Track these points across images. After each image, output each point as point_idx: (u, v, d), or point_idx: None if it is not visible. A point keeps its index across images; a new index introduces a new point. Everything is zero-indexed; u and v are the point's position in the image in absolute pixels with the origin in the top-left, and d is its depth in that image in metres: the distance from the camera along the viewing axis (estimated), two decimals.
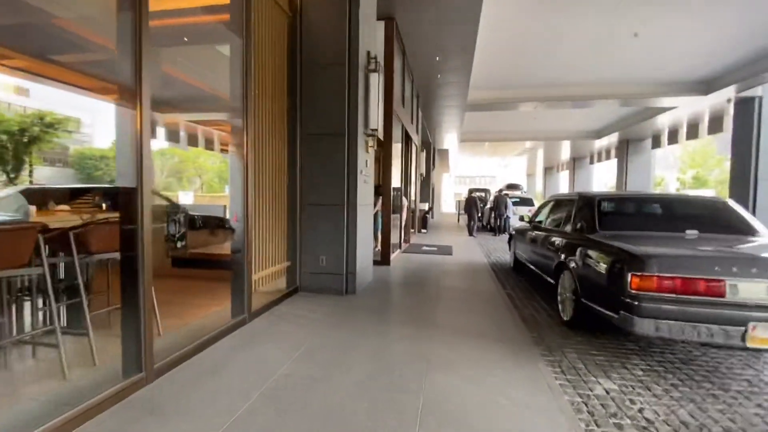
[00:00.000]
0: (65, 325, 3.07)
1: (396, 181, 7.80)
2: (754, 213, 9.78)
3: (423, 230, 12.90)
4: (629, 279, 2.65)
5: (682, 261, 2.64)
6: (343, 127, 4.45)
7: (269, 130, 4.05)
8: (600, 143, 22.09)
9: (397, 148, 7.74)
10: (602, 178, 28.05)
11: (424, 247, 8.93)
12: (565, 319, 3.69)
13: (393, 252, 7.09)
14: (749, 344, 2.46)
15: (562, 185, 31.53)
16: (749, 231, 3.39)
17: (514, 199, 13.65)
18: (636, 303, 2.59)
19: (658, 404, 2.36)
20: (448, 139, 19.15)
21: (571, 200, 4.27)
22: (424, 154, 15.04)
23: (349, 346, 3.01)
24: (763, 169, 10.80)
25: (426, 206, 14.55)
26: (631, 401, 2.38)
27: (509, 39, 8.97)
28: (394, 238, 7.59)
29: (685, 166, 35.50)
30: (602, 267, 3.04)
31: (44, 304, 2.79)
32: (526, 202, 14.20)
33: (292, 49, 4.40)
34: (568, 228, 4.03)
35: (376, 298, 4.50)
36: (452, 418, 2.07)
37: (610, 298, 2.88)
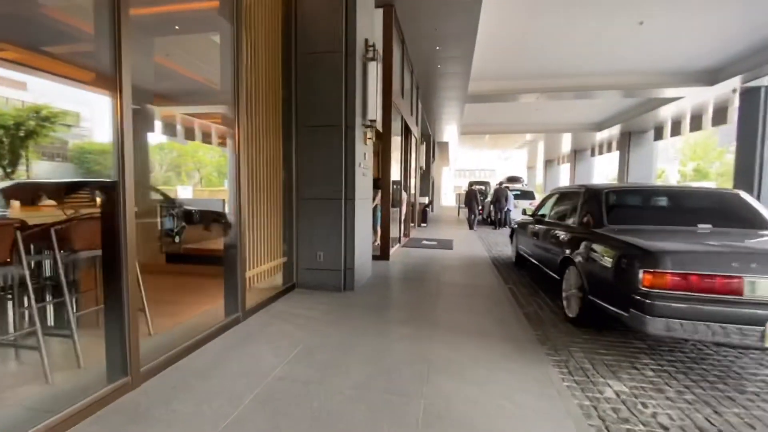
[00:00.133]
0: (53, 324, 2.94)
1: (395, 175, 7.64)
2: None
3: (423, 224, 12.77)
4: (641, 276, 2.51)
5: (696, 257, 2.51)
6: (341, 118, 4.29)
7: (263, 121, 3.90)
8: (601, 135, 21.88)
9: (396, 141, 7.57)
10: (603, 171, 27.87)
11: (424, 241, 8.81)
12: (570, 316, 3.57)
13: (392, 246, 6.97)
14: None
15: (563, 178, 31.36)
16: (764, 225, 3.25)
17: (515, 192, 13.48)
18: (648, 301, 2.45)
19: (672, 408, 2.24)
20: (448, 132, 18.94)
21: (577, 193, 4.13)
22: (423, 147, 14.85)
23: (346, 346, 2.89)
24: None
25: (426, 200, 14.40)
26: (644, 405, 2.27)
27: (511, 28, 8.76)
28: (394, 232, 7.45)
29: (686, 159, 35.29)
30: (611, 263, 2.90)
31: (23, 304, 2.66)
32: (527, 195, 14.03)
33: (286, 36, 4.22)
34: (574, 222, 3.90)
35: (375, 294, 4.37)
36: (455, 425, 1.95)
37: (620, 296, 2.75)
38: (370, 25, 4.87)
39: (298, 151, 4.39)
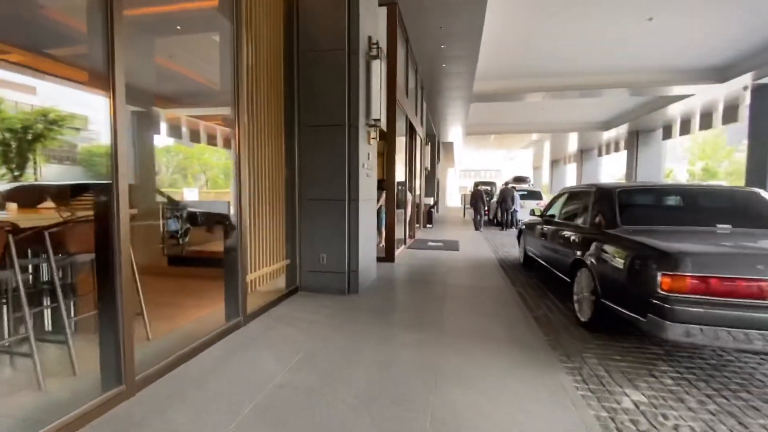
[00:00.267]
0: (51, 329, 2.87)
1: (400, 175, 7.54)
2: None
3: (428, 225, 12.65)
4: (659, 279, 2.39)
5: (718, 259, 2.38)
6: (344, 117, 4.20)
7: (265, 121, 3.82)
8: (608, 135, 21.64)
9: (400, 141, 7.47)
10: (610, 171, 27.57)
11: (430, 243, 8.69)
12: (582, 320, 3.44)
13: (397, 248, 6.86)
14: None
15: (569, 178, 31.08)
16: None
17: (521, 193, 13.31)
18: (667, 305, 2.33)
19: (695, 419, 2.11)
20: (453, 132, 18.81)
21: (587, 192, 4.00)
22: (428, 148, 14.73)
23: (350, 353, 2.78)
24: None
25: (431, 200, 14.28)
26: (664, 416, 2.14)
27: (516, 26, 8.64)
28: (399, 233, 7.35)
29: (694, 158, 34.81)
30: (626, 265, 2.78)
31: (17, 309, 2.59)
32: (534, 195, 13.85)
33: (288, 34, 4.14)
34: (585, 222, 3.77)
35: (380, 297, 4.27)
36: None
37: (636, 300, 2.63)
38: (373, 23, 4.78)
39: (300, 151, 4.30)
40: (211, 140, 7.68)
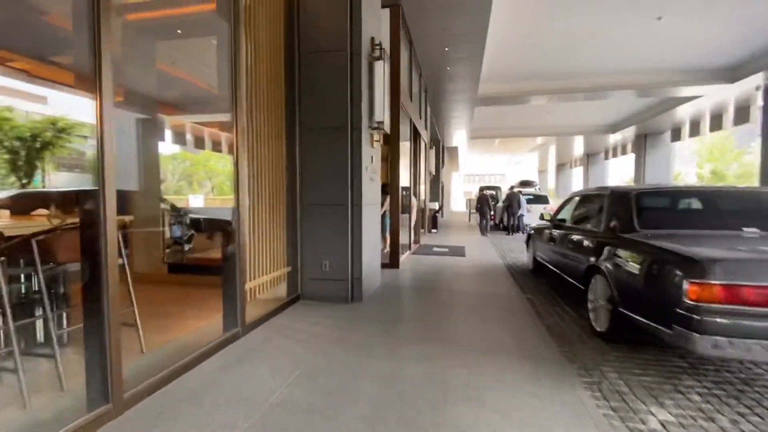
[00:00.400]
0: (43, 341, 2.75)
1: (404, 180, 7.40)
2: None
3: (433, 230, 12.48)
4: (686, 287, 2.21)
5: (750, 266, 2.20)
6: (346, 119, 4.08)
7: (265, 123, 3.71)
8: (615, 138, 21.39)
9: (404, 145, 7.34)
10: (618, 174, 27.24)
11: (435, 248, 8.52)
12: (598, 330, 3.25)
13: (402, 254, 6.70)
14: None
15: (576, 182, 30.77)
16: None
17: (528, 197, 13.10)
18: (696, 317, 2.15)
19: None
20: (458, 137, 18.67)
21: (601, 196, 3.83)
22: (433, 152, 14.60)
23: (353, 368, 2.62)
24: None
25: (436, 205, 14.12)
26: None
27: (521, 27, 8.52)
28: (404, 239, 7.19)
29: (702, 161, 34.34)
30: (647, 273, 2.60)
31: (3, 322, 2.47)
32: (540, 199, 13.63)
33: (289, 35, 4.04)
34: (599, 227, 3.59)
35: (385, 306, 4.11)
36: None
37: (659, 310, 2.45)
38: (376, 24, 4.67)
39: (302, 154, 4.18)
40: (216, 146, 7.60)
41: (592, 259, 3.39)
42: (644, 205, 3.26)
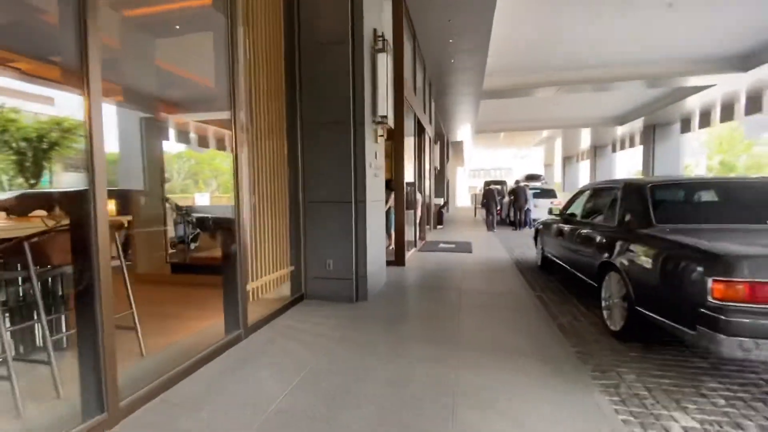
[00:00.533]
0: (41, 347, 2.68)
1: (409, 175, 7.27)
2: None
3: (439, 226, 12.35)
4: (710, 286, 2.08)
5: None
6: (349, 113, 3.96)
7: (265, 118, 3.60)
8: (623, 130, 21.05)
9: (409, 140, 7.21)
10: (625, 166, 26.87)
11: (441, 245, 8.40)
12: (613, 329, 3.13)
13: (408, 251, 6.59)
14: None
15: (582, 175, 30.40)
16: None
17: (534, 191, 12.90)
18: (723, 317, 2.02)
19: None
20: (462, 131, 18.46)
21: (614, 189, 3.69)
22: (437, 147, 14.44)
23: (358, 371, 2.53)
24: None
25: (441, 201, 13.96)
26: None
27: (527, 17, 8.32)
28: (409, 235, 7.08)
29: (711, 152, 33.76)
30: (667, 270, 2.47)
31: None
32: (548, 193, 13.40)
33: (288, 27, 3.92)
34: (613, 221, 3.45)
35: (391, 305, 4.01)
36: None
37: (681, 309, 2.32)
38: (378, 15, 4.53)
39: (303, 150, 4.07)
40: (220, 145, 7.53)
41: (606, 255, 3.25)
42: (661, 199, 3.11)
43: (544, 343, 2.99)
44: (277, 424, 1.95)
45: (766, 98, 12.59)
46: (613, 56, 10.95)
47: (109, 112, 4.98)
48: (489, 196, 11.91)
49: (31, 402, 2.14)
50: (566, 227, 4.54)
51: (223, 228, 3.09)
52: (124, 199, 4.88)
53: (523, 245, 8.57)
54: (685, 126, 17.23)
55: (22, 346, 2.66)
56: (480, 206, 14.05)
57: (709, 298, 2.09)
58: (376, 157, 4.40)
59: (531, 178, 18.13)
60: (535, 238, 6.33)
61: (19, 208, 3.39)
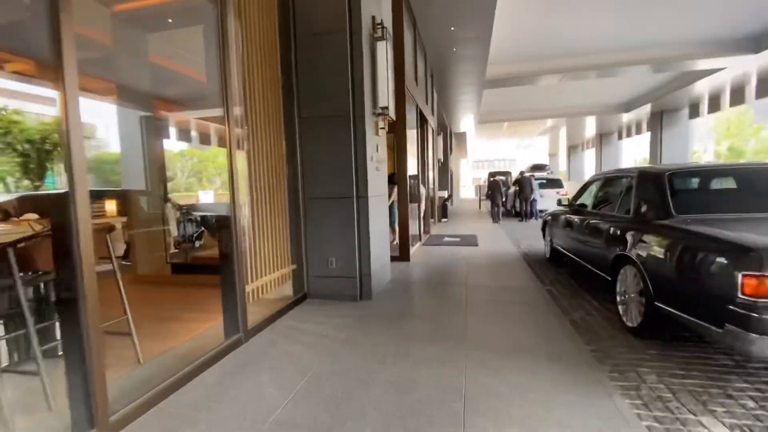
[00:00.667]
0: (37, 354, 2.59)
1: (412, 168, 7.11)
2: None
3: (444, 219, 12.19)
4: (740, 281, 1.93)
5: None
6: (348, 106, 3.81)
7: (261, 113, 3.46)
8: (629, 117, 20.66)
9: (411, 132, 7.04)
10: (632, 154, 26.48)
11: (446, 238, 8.26)
12: (630, 325, 2.98)
13: (412, 245, 6.46)
14: None
15: (588, 164, 30.03)
16: None
17: (540, 181, 12.67)
18: (755, 315, 1.86)
19: None
20: (465, 122, 18.19)
21: (626, 177, 3.52)
22: (440, 138, 14.22)
23: (362, 374, 2.41)
24: None
25: (445, 193, 13.78)
26: None
27: (529, 3, 8.06)
28: (413, 229, 6.95)
29: (720, 138, 33.16)
30: (689, 263, 2.32)
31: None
32: (554, 183, 13.16)
33: (283, 16, 3.76)
34: (627, 212, 3.29)
35: (396, 303, 3.88)
36: None
37: (706, 305, 2.17)
38: (377, 3, 4.34)
39: (302, 145, 3.93)
40: (222, 141, 7.39)
41: (621, 248, 3.10)
42: (679, 187, 2.95)
43: (556, 341, 2.85)
44: None
45: None
46: (619, 40, 10.65)
47: (109, 112, 4.88)
48: (494, 188, 11.72)
49: (21, 415, 2.05)
50: (576, 218, 4.37)
51: (223, 226, 2.97)
52: (124, 199, 4.79)
53: (530, 237, 8.41)
54: (694, 111, 16.85)
55: (16, 355, 2.58)
56: (485, 198, 13.85)
57: (739, 294, 1.93)
58: (377, 150, 4.25)
59: (537, 168, 17.85)
60: (543, 230, 6.17)
61: (13, 211, 3.29)
